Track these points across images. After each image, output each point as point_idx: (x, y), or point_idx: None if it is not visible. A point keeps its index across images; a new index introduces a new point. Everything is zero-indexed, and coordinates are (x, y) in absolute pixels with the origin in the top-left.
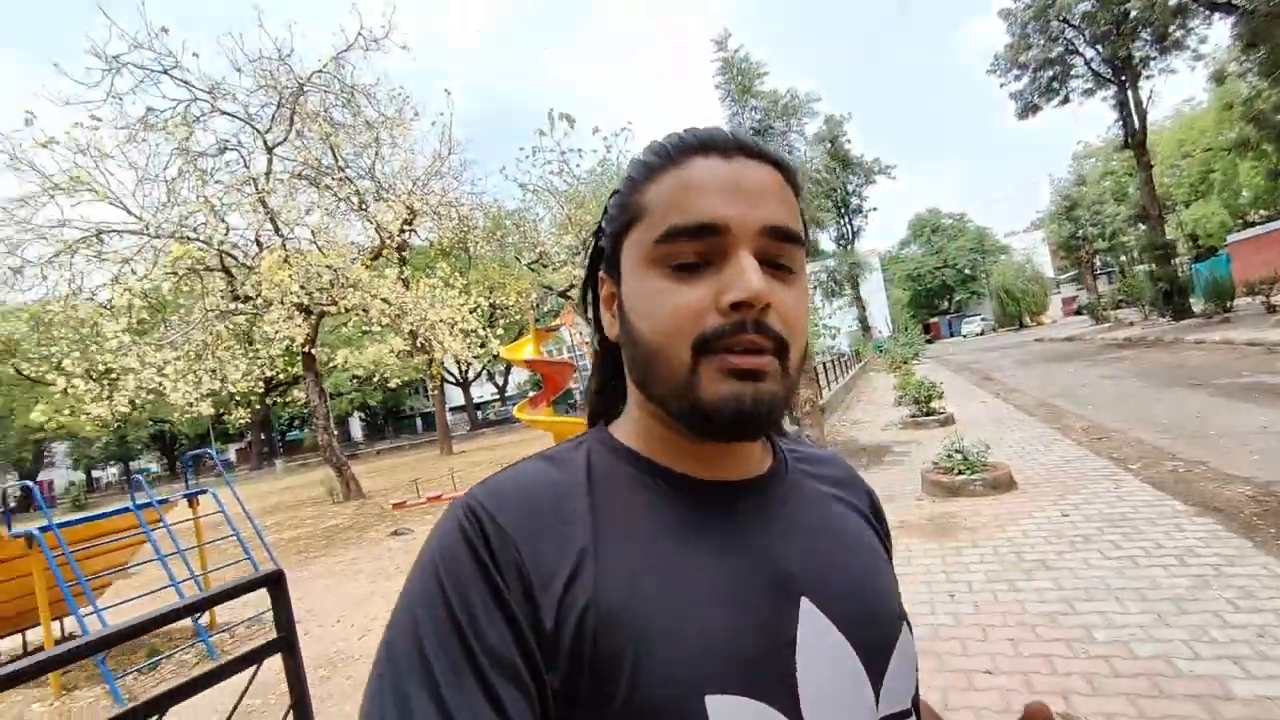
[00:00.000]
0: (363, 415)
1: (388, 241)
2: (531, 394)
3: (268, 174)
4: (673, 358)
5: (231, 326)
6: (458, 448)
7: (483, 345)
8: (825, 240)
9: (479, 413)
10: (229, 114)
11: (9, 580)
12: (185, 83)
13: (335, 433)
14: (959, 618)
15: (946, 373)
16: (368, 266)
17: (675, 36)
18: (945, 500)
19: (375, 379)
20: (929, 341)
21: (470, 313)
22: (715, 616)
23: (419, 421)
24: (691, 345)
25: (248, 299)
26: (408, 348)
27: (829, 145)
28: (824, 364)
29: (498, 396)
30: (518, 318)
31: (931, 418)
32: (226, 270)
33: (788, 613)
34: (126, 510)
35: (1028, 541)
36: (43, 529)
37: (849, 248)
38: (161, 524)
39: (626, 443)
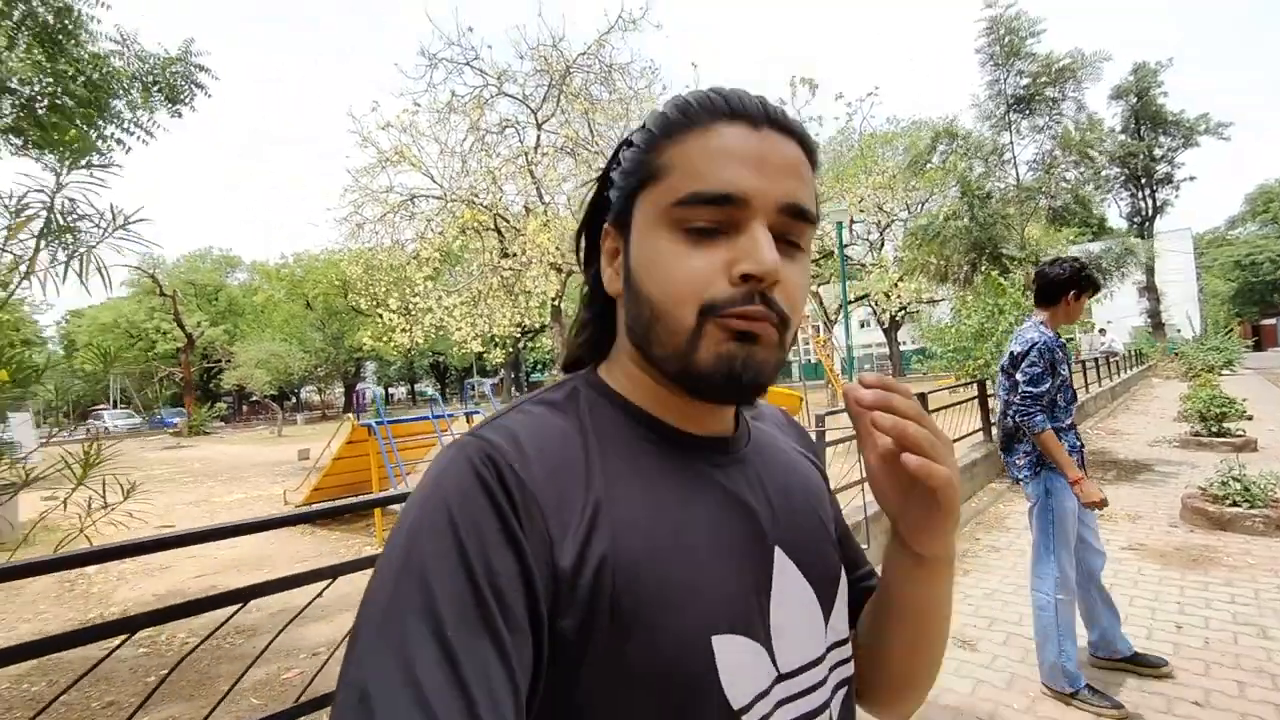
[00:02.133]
0: None
1: None
2: None
3: (536, 147)
4: (679, 320)
5: (500, 280)
6: None
7: None
8: (1114, 217)
9: None
10: (511, 96)
11: (354, 457)
12: (481, 71)
13: None
14: (1180, 648)
15: (1272, 390)
16: None
17: None
18: (1208, 532)
19: None
20: (1255, 348)
21: None
22: (716, 566)
23: None
24: (699, 310)
25: (514, 256)
26: None
27: (1134, 100)
28: (1081, 364)
29: None
30: None
31: (1222, 439)
32: (499, 231)
33: (766, 560)
34: (426, 419)
35: None
36: (378, 422)
37: (1146, 225)
38: (450, 432)
39: (615, 388)
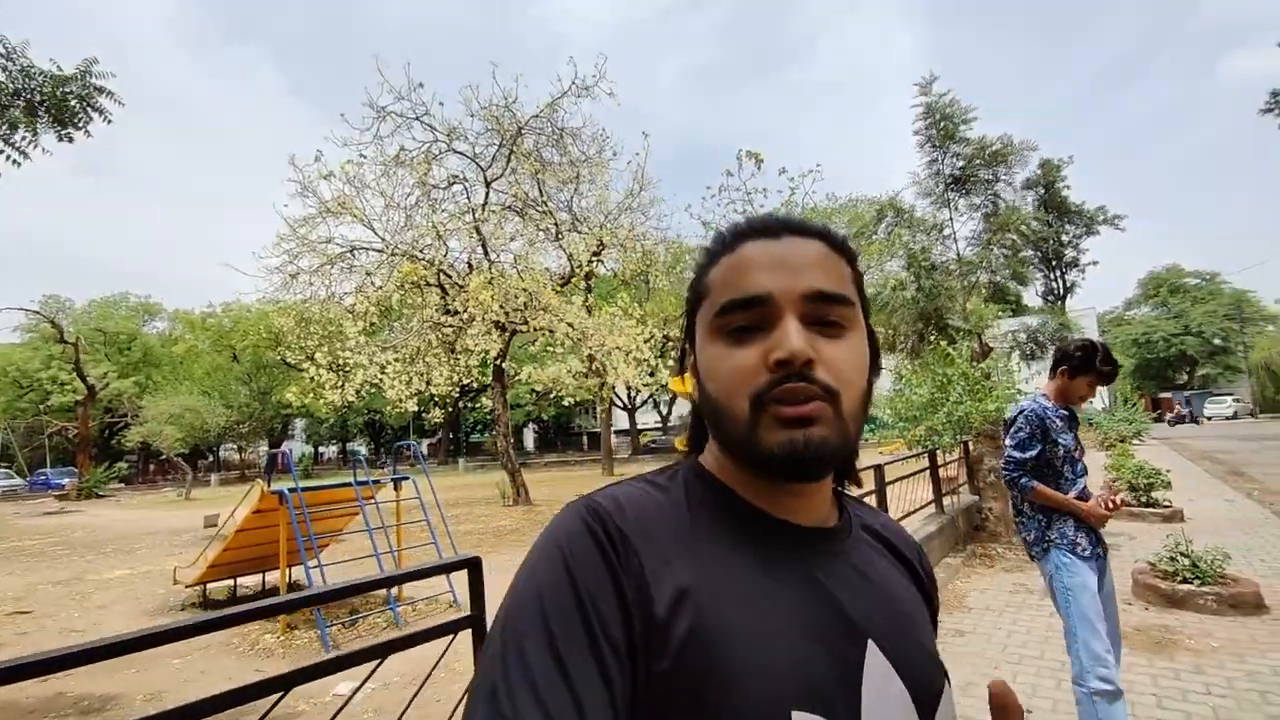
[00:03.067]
0: (535, 427)
1: (578, 270)
2: None
3: (484, 205)
4: (735, 411)
5: (440, 337)
6: (618, 469)
7: (652, 374)
8: (1031, 295)
9: (641, 438)
10: (460, 153)
11: (262, 528)
12: (431, 127)
13: (511, 440)
14: None
15: (1179, 460)
16: (557, 292)
17: (870, 82)
18: (1162, 610)
19: (552, 395)
20: (1157, 419)
21: (645, 342)
22: (799, 644)
23: (585, 439)
24: (749, 400)
25: (455, 313)
26: (584, 369)
27: (1041, 192)
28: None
29: (660, 425)
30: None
31: (1151, 509)
32: (441, 287)
33: (856, 650)
34: (349, 485)
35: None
36: (291, 490)
37: (1058, 305)
38: (373, 501)
39: (717, 474)
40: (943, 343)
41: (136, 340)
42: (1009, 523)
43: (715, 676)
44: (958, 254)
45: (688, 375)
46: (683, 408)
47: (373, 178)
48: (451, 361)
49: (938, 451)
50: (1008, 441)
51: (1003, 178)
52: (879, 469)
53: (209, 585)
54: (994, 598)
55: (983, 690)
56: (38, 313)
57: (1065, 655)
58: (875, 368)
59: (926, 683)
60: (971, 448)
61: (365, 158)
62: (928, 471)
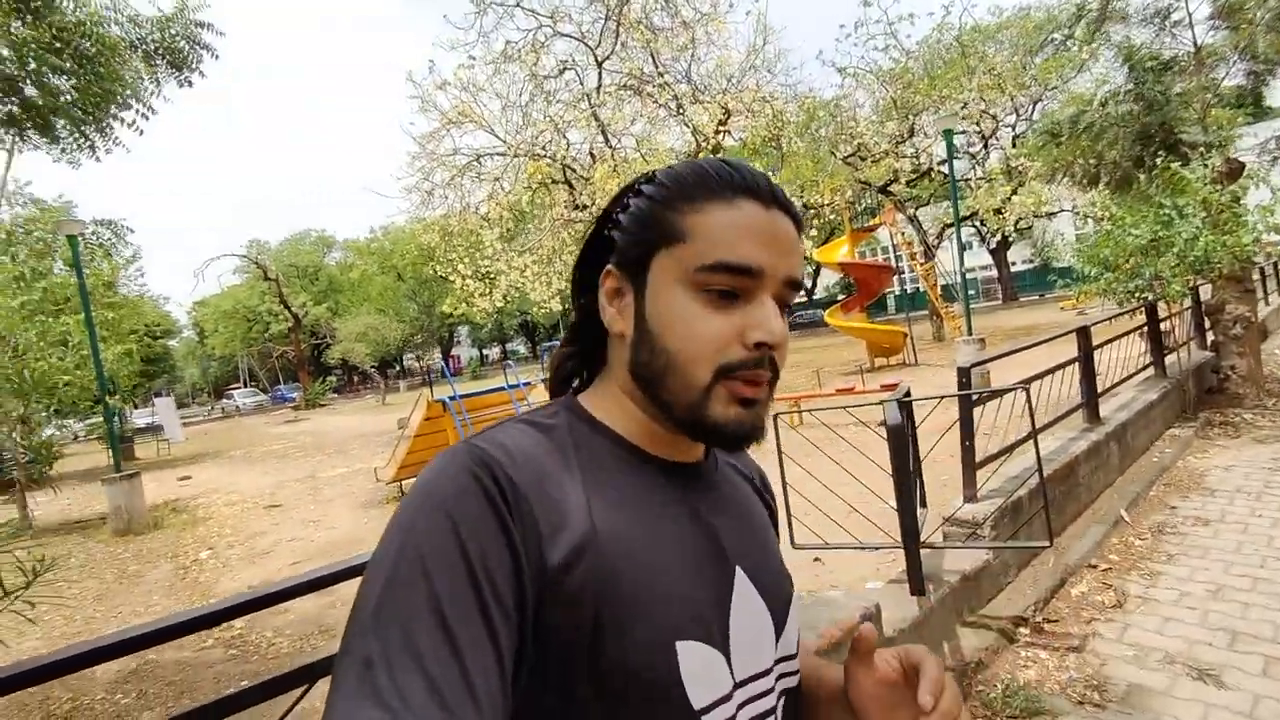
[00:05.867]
0: None
1: (704, 145)
2: (841, 298)
3: (598, 88)
4: (695, 377)
5: (573, 234)
6: None
7: None
8: (1274, 95)
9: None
10: (567, 35)
11: (433, 433)
12: (533, 12)
13: None
14: None
15: None
16: None
17: None
18: None
19: None
20: None
21: None
22: (684, 580)
23: None
24: (714, 370)
25: (585, 208)
26: None
27: None
28: (1262, 269)
29: (804, 299)
30: (832, 217)
31: None
32: (568, 183)
33: (727, 577)
34: (502, 389)
35: None
36: (451, 398)
37: None
38: (528, 401)
39: (599, 417)
40: (1173, 164)
41: (321, 271)
42: (1258, 382)
43: (612, 617)
44: (1194, 43)
45: (832, 245)
46: (828, 278)
47: (485, 79)
48: None
49: (1159, 305)
50: None
51: None
52: (1084, 331)
53: (404, 482)
54: (1246, 476)
55: (1245, 593)
56: (245, 256)
57: None
58: None
59: (779, 595)
60: (1206, 295)
61: (474, 59)
62: (1139, 331)
